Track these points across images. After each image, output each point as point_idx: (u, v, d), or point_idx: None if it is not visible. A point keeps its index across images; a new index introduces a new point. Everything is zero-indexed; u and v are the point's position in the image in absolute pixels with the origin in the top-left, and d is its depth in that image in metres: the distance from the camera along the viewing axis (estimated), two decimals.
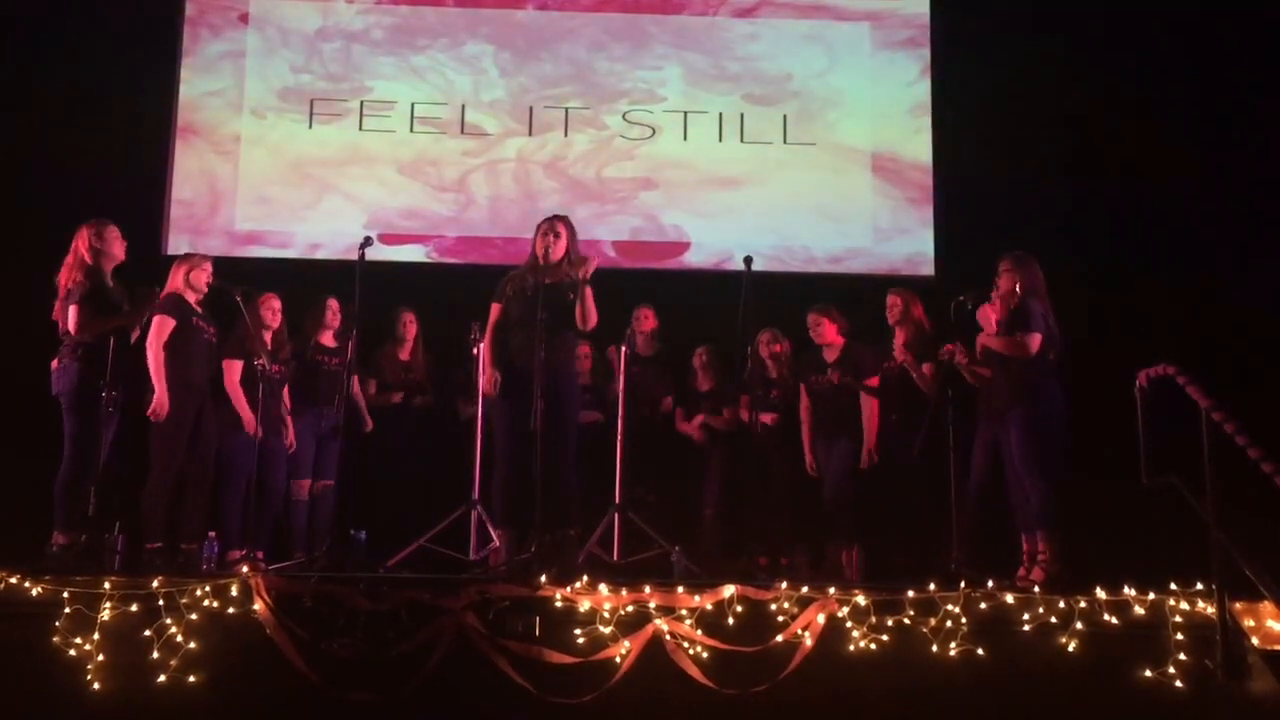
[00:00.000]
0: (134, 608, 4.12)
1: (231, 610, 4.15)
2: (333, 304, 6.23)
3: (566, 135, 7.65)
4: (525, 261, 5.42)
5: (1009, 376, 5.20)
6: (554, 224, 5.32)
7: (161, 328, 5.35)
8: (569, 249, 5.33)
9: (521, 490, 5.00)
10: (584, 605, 4.20)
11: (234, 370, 5.77)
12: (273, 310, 6.00)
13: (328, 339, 6.25)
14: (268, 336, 5.92)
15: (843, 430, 6.01)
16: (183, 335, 5.41)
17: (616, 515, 5.72)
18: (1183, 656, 4.22)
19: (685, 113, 7.68)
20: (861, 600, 4.27)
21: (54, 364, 5.26)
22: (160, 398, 5.28)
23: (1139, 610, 4.33)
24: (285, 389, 6.03)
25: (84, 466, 5.07)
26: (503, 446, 5.25)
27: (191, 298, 5.52)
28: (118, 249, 5.34)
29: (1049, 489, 5.05)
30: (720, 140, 7.67)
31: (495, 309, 5.37)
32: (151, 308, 5.33)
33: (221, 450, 5.67)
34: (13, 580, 4.18)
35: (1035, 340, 5.13)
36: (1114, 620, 4.31)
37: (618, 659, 4.14)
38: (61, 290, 5.26)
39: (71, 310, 5.15)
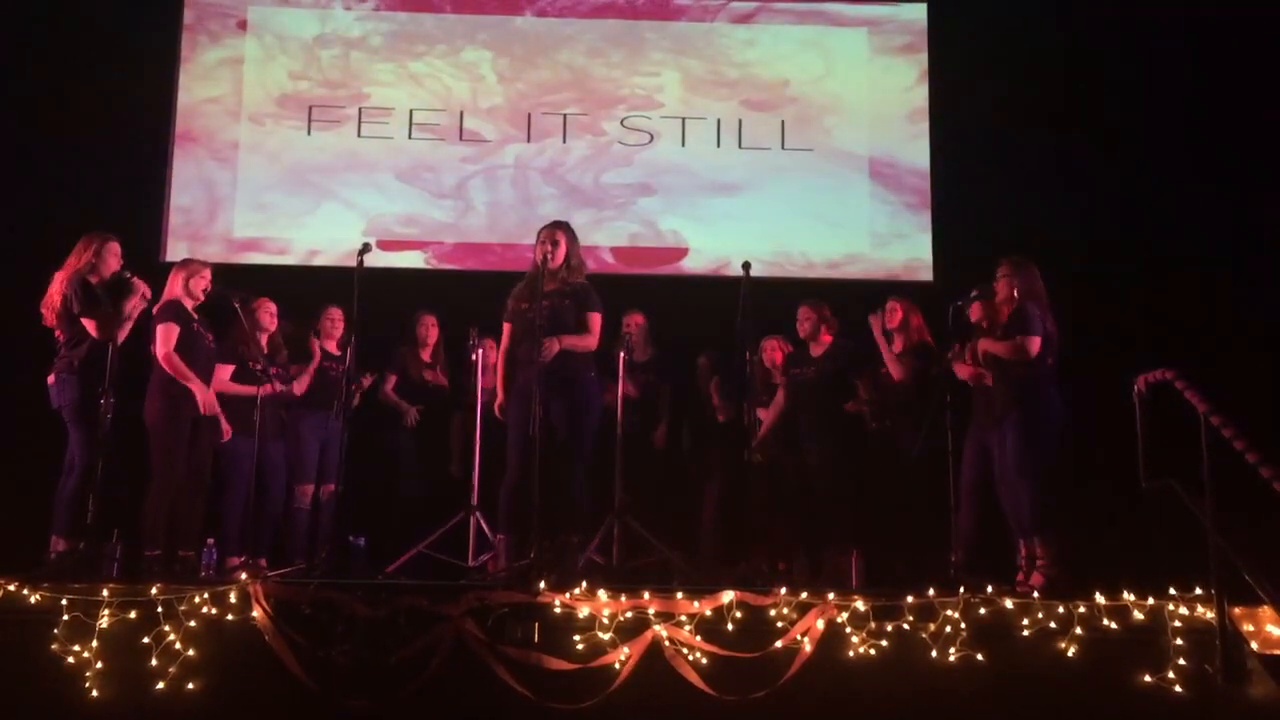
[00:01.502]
0: (132, 615, 4.12)
1: (230, 617, 4.14)
2: (335, 312, 6.25)
3: (565, 141, 7.66)
4: (528, 270, 5.42)
5: (1007, 381, 5.20)
6: (553, 232, 5.31)
7: (168, 335, 5.35)
8: (569, 255, 5.33)
9: (529, 496, 4.99)
10: (583, 611, 4.20)
11: (224, 374, 5.77)
12: (270, 314, 6.01)
13: (331, 347, 6.27)
14: (263, 340, 5.93)
15: (829, 428, 5.99)
16: (184, 342, 5.40)
17: (616, 521, 5.72)
18: (1182, 661, 4.22)
19: (683, 118, 7.70)
20: (861, 606, 4.26)
21: (50, 379, 5.25)
22: (205, 397, 5.34)
23: (1138, 615, 4.33)
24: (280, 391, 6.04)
25: (90, 475, 5.07)
26: (512, 451, 5.25)
27: (190, 304, 5.51)
28: (113, 263, 5.34)
29: (1043, 494, 5.04)
30: (718, 146, 7.68)
31: (506, 329, 5.37)
32: (134, 296, 5.31)
33: (220, 456, 5.67)
34: (11, 588, 4.18)
35: (1035, 343, 5.12)
36: (1113, 625, 4.31)
37: (617, 665, 4.14)
38: (56, 300, 5.24)
39: (89, 324, 5.16)
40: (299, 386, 6.08)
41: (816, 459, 6.01)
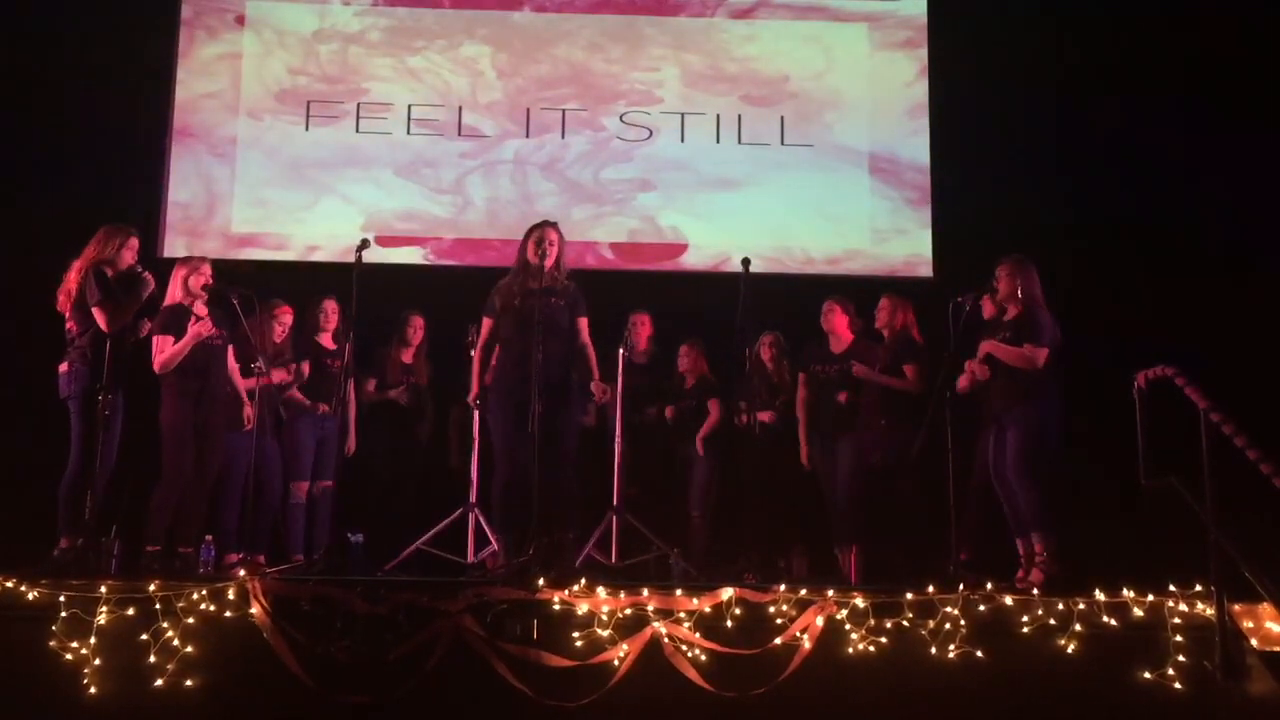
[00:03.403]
0: (130, 611, 4.12)
1: (228, 614, 4.14)
2: (330, 305, 6.22)
3: (564, 137, 7.64)
4: (515, 265, 5.39)
5: (1008, 380, 5.20)
6: (546, 232, 5.30)
7: (160, 348, 5.34)
8: (560, 254, 5.33)
9: (520, 493, 4.99)
10: (582, 608, 4.20)
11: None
12: (283, 326, 6.02)
13: (326, 340, 6.25)
14: (271, 341, 5.95)
15: (847, 427, 5.99)
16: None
17: (614, 518, 5.71)
18: (1182, 658, 4.22)
19: (683, 114, 7.68)
20: (860, 602, 4.26)
21: (62, 368, 5.24)
22: (199, 327, 5.32)
23: (1138, 612, 4.33)
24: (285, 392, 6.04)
25: (88, 470, 5.06)
26: (502, 450, 5.25)
27: (191, 303, 5.49)
28: (129, 257, 5.31)
29: (1041, 492, 5.04)
30: (718, 141, 7.66)
31: (487, 323, 5.35)
32: (148, 287, 5.30)
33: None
34: (9, 584, 4.17)
35: (1043, 355, 5.12)
36: (1113, 622, 4.31)
37: (616, 662, 4.14)
38: (73, 288, 5.22)
39: (100, 315, 5.11)
40: (325, 340, 6.16)
41: (834, 455, 5.99)
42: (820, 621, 4.21)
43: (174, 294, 5.47)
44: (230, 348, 5.65)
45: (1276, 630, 4.30)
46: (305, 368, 6.10)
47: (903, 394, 5.80)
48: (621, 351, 6.01)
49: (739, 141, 7.66)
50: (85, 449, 5.09)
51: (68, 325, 5.25)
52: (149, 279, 5.27)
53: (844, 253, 7.53)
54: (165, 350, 5.32)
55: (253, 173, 7.48)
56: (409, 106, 7.61)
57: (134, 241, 5.35)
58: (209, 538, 5.32)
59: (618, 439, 5.89)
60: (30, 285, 5.55)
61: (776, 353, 6.36)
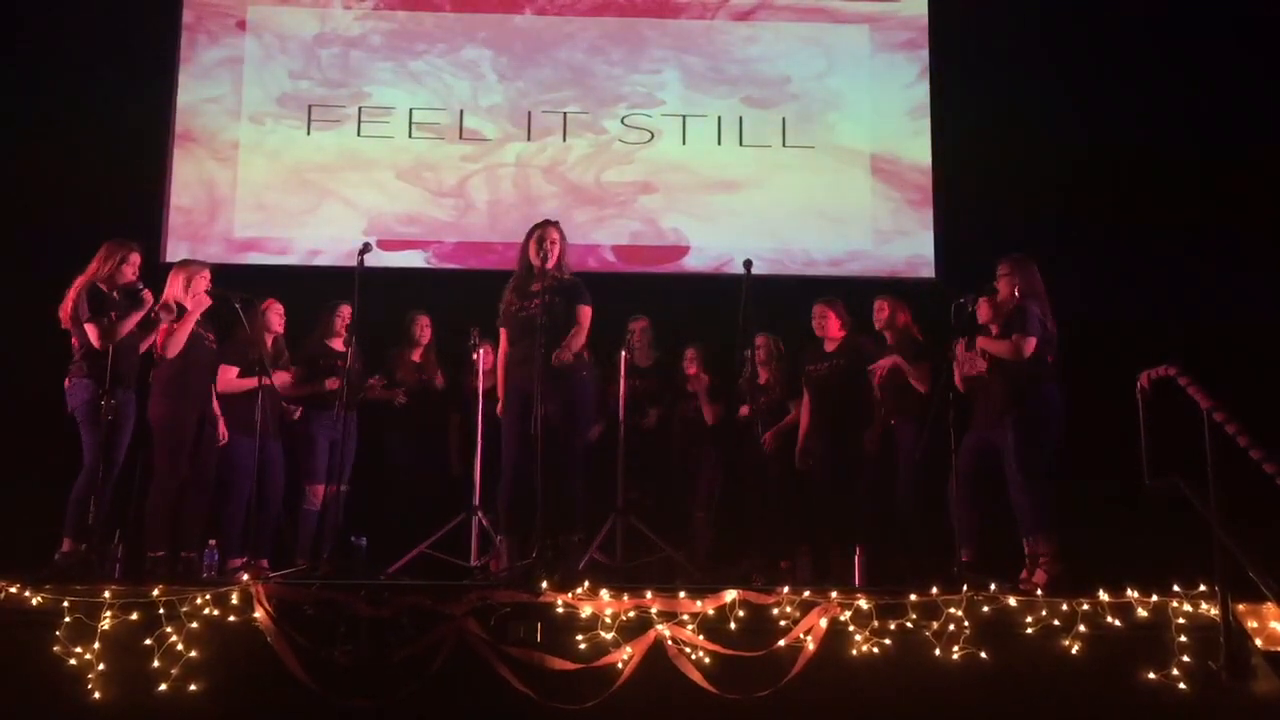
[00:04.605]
0: (134, 616, 4.12)
1: (232, 618, 4.14)
2: (346, 310, 6.20)
3: (565, 140, 7.64)
4: (517, 268, 5.40)
5: (1006, 379, 5.19)
6: (547, 231, 5.31)
7: (165, 332, 5.36)
8: (562, 254, 5.34)
9: (525, 496, 5.00)
10: (586, 611, 4.20)
11: (228, 375, 5.76)
12: (278, 314, 6.03)
13: (338, 345, 6.25)
14: (269, 340, 5.95)
15: (848, 427, 5.98)
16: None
17: (618, 520, 5.71)
18: (1186, 658, 4.22)
19: (684, 116, 7.68)
20: (864, 604, 4.26)
21: (66, 383, 5.25)
22: (203, 284, 5.40)
23: (1142, 612, 4.33)
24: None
25: (94, 477, 5.06)
26: (508, 452, 5.25)
27: (191, 305, 5.50)
28: (129, 273, 5.32)
29: (1043, 492, 5.03)
30: (719, 143, 7.66)
31: (503, 334, 5.37)
32: (141, 310, 5.30)
33: (222, 457, 5.66)
34: (13, 589, 4.18)
35: (1030, 344, 5.11)
36: (1117, 622, 4.31)
37: (620, 665, 4.13)
38: (69, 305, 5.23)
39: (91, 331, 5.12)
40: (337, 345, 6.14)
41: (826, 455, 6.00)
42: (824, 623, 4.21)
43: (173, 294, 5.47)
44: (231, 367, 5.68)
45: None
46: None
47: (910, 393, 5.80)
48: (624, 354, 6.01)
49: (740, 143, 7.66)
50: (97, 458, 5.10)
51: (72, 340, 5.26)
52: (147, 296, 5.28)
53: (846, 254, 7.53)
54: (170, 334, 5.33)
55: (254, 177, 7.48)
56: (410, 110, 7.61)
57: (135, 257, 5.35)
58: (212, 542, 5.32)
59: (620, 442, 5.88)
60: (33, 294, 5.54)
61: (764, 355, 6.38)
